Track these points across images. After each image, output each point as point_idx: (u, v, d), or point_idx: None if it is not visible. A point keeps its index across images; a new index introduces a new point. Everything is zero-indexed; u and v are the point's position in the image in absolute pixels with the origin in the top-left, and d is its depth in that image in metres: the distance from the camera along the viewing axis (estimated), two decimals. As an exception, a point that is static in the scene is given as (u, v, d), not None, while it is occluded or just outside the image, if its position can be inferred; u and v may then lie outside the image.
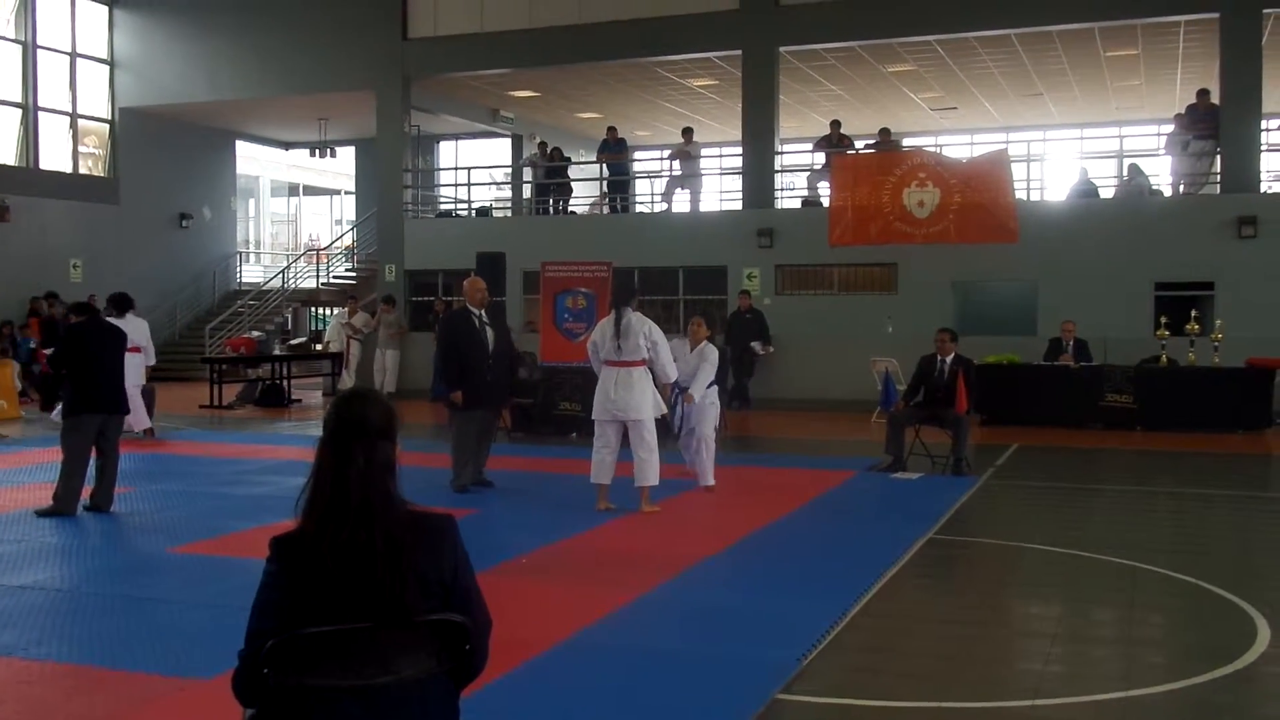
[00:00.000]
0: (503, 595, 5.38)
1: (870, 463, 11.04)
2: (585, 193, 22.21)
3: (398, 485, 2.52)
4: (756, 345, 17.27)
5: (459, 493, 9.15)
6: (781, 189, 19.81)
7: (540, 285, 15.50)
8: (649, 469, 8.25)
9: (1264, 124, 17.11)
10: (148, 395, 13.31)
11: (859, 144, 19.75)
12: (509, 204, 23.50)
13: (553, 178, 21.04)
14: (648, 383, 8.34)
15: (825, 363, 17.51)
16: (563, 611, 5.65)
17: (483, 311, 9.32)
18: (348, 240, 27.71)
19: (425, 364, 18.31)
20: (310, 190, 32.78)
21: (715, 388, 9.52)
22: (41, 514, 8.29)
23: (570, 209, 21.18)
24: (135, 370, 11.95)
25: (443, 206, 23.19)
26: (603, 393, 8.34)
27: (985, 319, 17.40)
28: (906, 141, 21.88)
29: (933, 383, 10.72)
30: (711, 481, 9.43)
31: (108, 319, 9.61)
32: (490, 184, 24.94)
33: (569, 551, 7.19)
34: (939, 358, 10.76)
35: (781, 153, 19.60)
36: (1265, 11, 16.50)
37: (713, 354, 9.42)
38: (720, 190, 21.33)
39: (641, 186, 23.31)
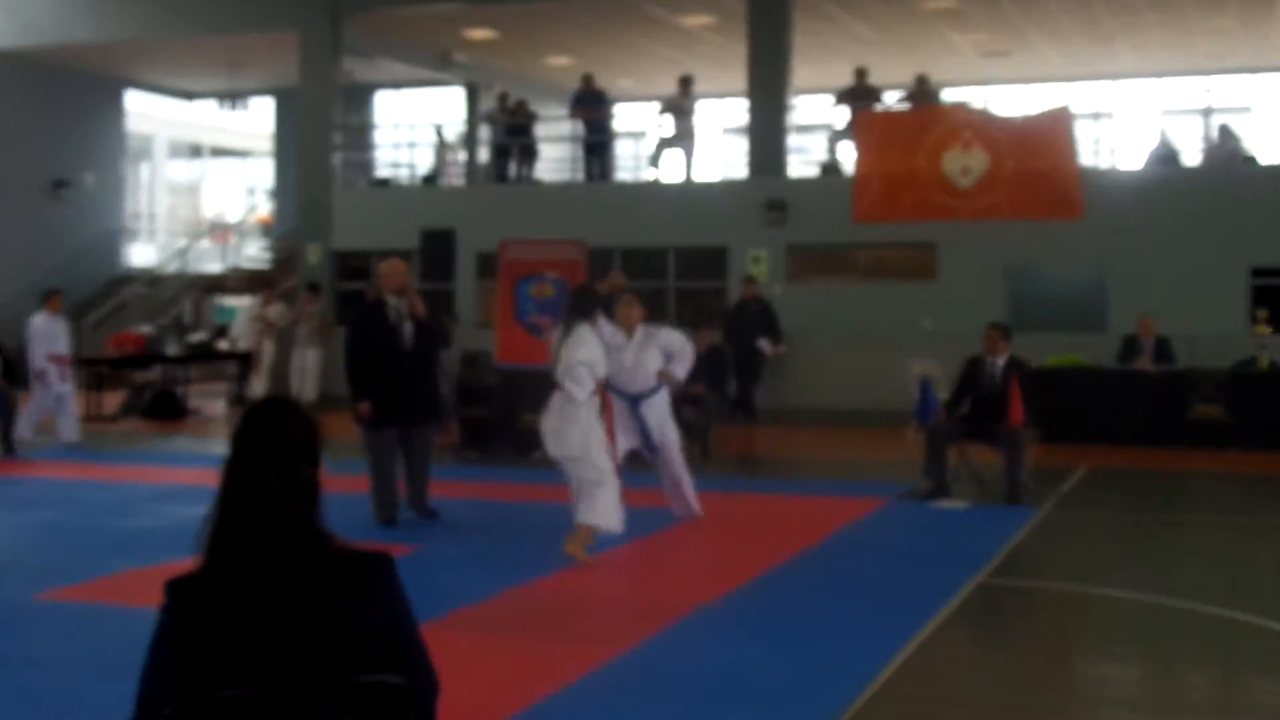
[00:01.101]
0: (452, 652, 5.30)
1: (905, 488, 11.04)
2: (555, 156, 22.17)
3: (322, 516, 2.54)
4: (764, 344, 17.28)
5: (385, 525, 9.08)
6: (795, 152, 19.79)
7: (499, 270, 15.43)
8: (596, 504, 7.92)
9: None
10: (4, 403, 13.21)
11: (889, 98, 19.78)
12: (462, 170, 23.44)
13: (516, 137, 21.00)
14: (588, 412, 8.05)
15: (848, 366, 17.52)
16: (526, 673, 5.61)
17: (402, 301, 9.26)
18: (262, 214, 27.62)
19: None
20: (218, 152, 32.70)
21: (664, 391, 9.31)
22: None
23: (537, 176, 21.14)
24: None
25: (380, 173, 23.13)
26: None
27: (1045, 313, 17.45)
28: (947, 95, 21.92)
29: (981, 390, 10.72)
30: (698, 509, 9.40)
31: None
32: (438, 145, 24.88)
33: (534, 598, 7.15)
34: (989, 360, 10.76)
35: (795, 108, 19.60)
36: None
37: (671, 336, 9.28)
38: (720, 154, 21.31)
39: (624, 149, 23.28)
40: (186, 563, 2.51)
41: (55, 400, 14.13)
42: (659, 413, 9.23)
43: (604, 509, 7.95)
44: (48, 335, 14.13)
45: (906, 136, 16.83)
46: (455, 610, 6.73)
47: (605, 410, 8.40)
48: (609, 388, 8.79)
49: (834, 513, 9.94)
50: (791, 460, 13.93)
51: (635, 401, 9.09)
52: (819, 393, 17.63)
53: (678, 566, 8.12)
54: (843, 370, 17.57)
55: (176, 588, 2.50)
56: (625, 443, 9.00)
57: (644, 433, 9.11)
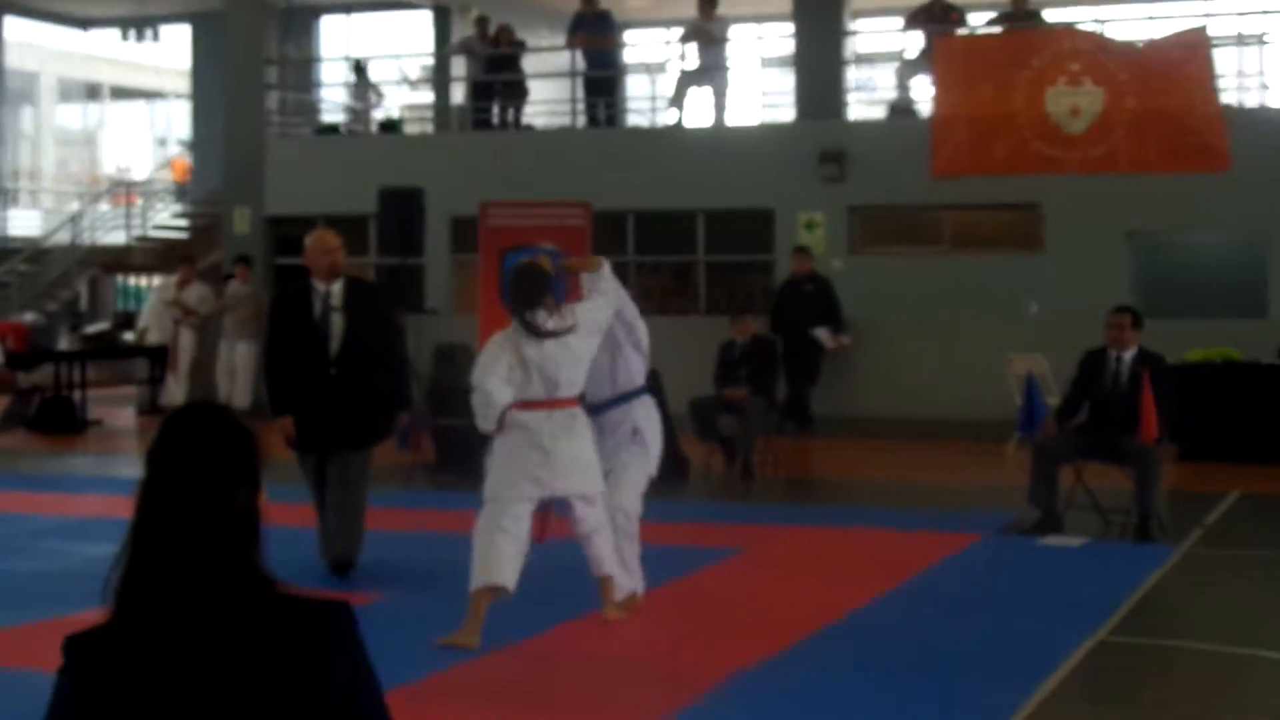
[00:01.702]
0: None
1: (1005, 519, 11.02)
2: (549, 96, 22.15)
3: (263, 555, 2.55)
4: (822, 333, 17.26)
5: (335, 573, 8.89)
6: (857, 89, 19.74)
7: (479, 240, 15.43)
8: (605, 550, 7.88)
9: None
10: None
11: (976, 18, 19.71)
12: (429, 114, 23.44)
13: (498, 72, 20.98)
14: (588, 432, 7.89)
15: (929, 361, 17.50)
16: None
17: (334, 288, 8.98)
18: (177, 170, 27.67)
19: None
20: (120, 93, 32.79)
21: (651, 400, 8.67)
22: None
23: (526, 121, 21.13)
24: None
25: (326, 118, 23.14)
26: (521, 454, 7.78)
27: (1184, 294, 17.43)
28: (1051, 15, 21.82)
29: (1103, 394, 10.69)
30: (628, 587, 8.19)
31: None
32: (401, 82, 24.88)
33: (528, 660, 7.14)
34: (1112, 354, 10.73)
35: (856, 34, 19.54)
36: None
37: (600, 310, 8.15)
38: (762, 92, 21.25)
39: (637, 86, 23.21)
40: (90, 616, 2.50)
41: None
42: (615, 438, 8.51)
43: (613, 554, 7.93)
44: None
45: (999, 68, 16.74)
46: (430, 675, 6.74)
47: None
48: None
49: (912, 551, 9.91)
50: (857, 483, 13.89)
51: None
52: (891, 396, 17.62)
53: (708, 621, 8.10)
54: (921, 367, 17.55)
55: (78, 647, 2.49)
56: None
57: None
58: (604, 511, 7.86)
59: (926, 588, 8.88)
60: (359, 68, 22.36)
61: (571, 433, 7.79)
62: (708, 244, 19.19)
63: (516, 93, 21.11)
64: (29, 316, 21.32)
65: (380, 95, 22.72)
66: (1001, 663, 7.05)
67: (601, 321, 7.95)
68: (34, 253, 24.67)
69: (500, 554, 7.49)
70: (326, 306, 9.02)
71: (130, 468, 13.76)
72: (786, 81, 20.13)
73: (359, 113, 22.38)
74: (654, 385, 13.38)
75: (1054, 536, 10.33)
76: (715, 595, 8.76)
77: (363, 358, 9.05)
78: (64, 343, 20.17)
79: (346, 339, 8.98)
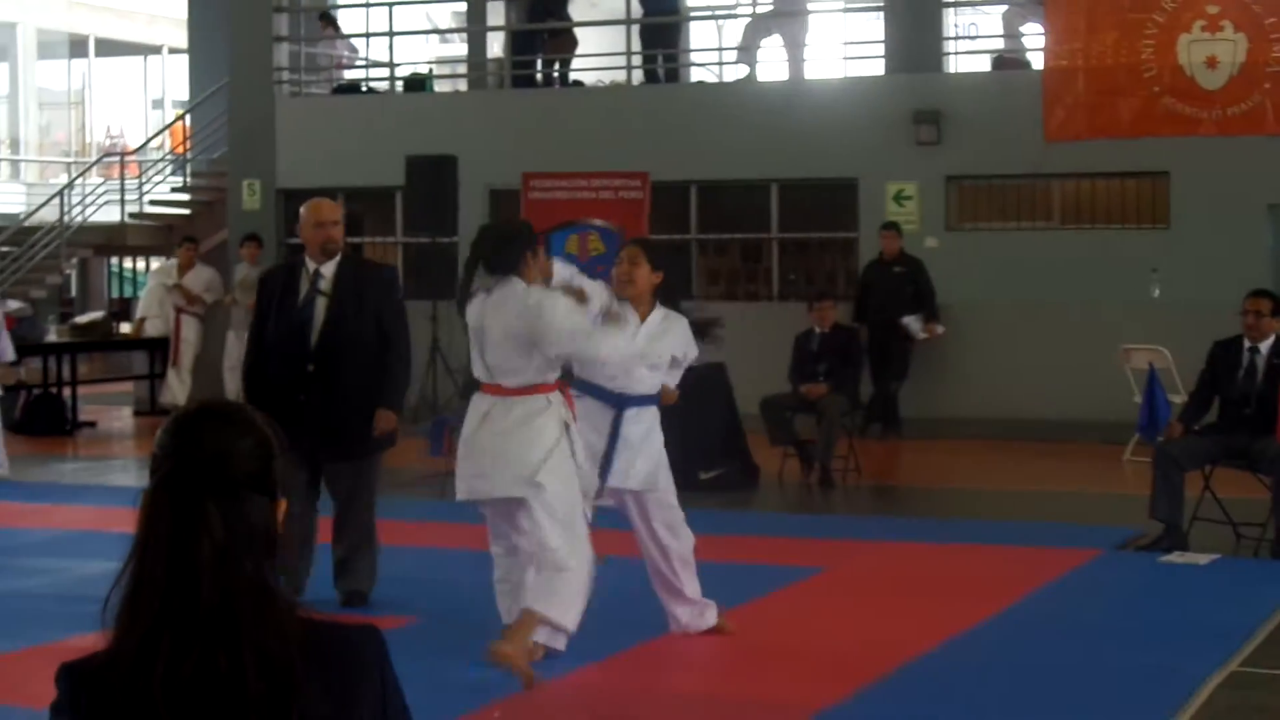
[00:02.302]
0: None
1: (1122, 534, 11.00)
2: (601, 46, 22.20)
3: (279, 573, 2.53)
4: (912, 322, 17.23)
5: (346, 605, 8.64)
6: (956, 38, 19.69)
7: (522, 216, 15.49)
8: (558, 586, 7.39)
9: None
10: None
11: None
12: (463, 69, 23.53)
13: (543, 19, 21.04)
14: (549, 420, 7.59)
15: (1036, 353, 17.44)
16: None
17: (326, 268, 8.78)
18: (175, 138, 27.84)
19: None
20: (109, 49, 32.97)
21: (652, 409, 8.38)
22: None
23: (574, 78, 21.20)
24: None
25: (346, 74, 23.26)
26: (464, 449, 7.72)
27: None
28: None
29: (1235, 390, 10.66)
30: (701, 620, 8.29)
31: None
32: (431, 32, 24.95)
33: (580, 693, 7.21)
34: (1247, 345, 10.70)
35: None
36: None
37: (688, 338, 8.35)
38: (844, 42, 21.23)
39: (701, 35, 23.19)
40: (85, 642, 2.50)
41: None
42: (645, 438, 8.25)
43: (567, 595, 7.34)
44: None
45: (1123, 12, 16.70)
46: (467, 710, 6.78)
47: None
48: (575, 383, 8.15)
49: (1016, 571, 9.90)
50: (951, 492, 13.90)
51: (618, 409, 8.20)
52: (991, 393, 17.56)
53: (784, 651, 8.10)
54: (1026, 360, 17.48)
55: (74, 678, 2.48)
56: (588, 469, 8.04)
57: (608, 459, 8.12)
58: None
59: (1032, 612, 8.86)
60: (325, 16, 22.27)
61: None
62: (782, 219, 19.14)
63: (564, 44, 21.05)
64: (12, 304, 21.48)
65: (354, 50, 22.72)
66: (1118, 699, 7.07)
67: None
68: (16, 231, 24.80)
69: None
70: (314, 290, 8.79)
71: (127, 474, 13.93)
72: (874, 28, 20.10)
73: (329, 70, 22.35)
74: (720, 379, 13.54)
75: (1178, 553, 10.27)
76: (792, 620, 8.77)
77: (347, 352, 8.75)
78: (51, 334, 20.35)
79: (325, 329, 8.73)
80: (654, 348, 8.17)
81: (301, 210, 9.12)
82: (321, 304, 8.76)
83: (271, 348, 8.80)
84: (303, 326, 8.73)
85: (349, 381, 8.72)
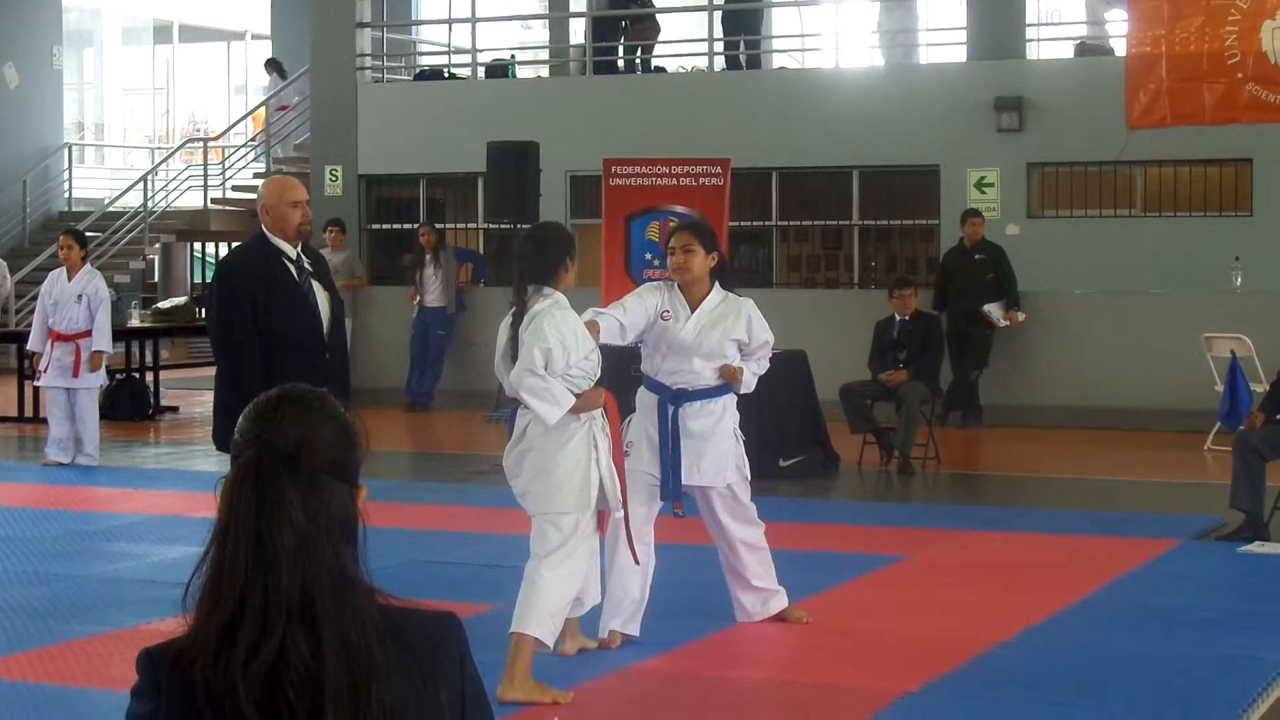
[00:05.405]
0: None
1: (1205, 524, 10.93)
2: (683, 32, 22.16)
3: (362, 561, 2.53)
4: (993, 309, 17.15)
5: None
6: (1038, 24, 19.54)
7: (603, 202, 15.53)
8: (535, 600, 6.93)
9: None
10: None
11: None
12: (545, 55, 23.55)
13: (625, 6, 21.07)
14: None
15: (1117, 342, 17.34)
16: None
17: (299, 251, 8.19)
18: (257, 124, 28.00)
19: (398, 340, 18.46)
20: (192, 35, 33.15)
21: (732, 398, 8.13)
22: None
23: (656, 64, 21.19)
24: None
25: (426, 61, 23.33)
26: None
27: None
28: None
29: (1320, 379, 10.55)
30: (768, 607, 8.18)
31: None
32: (513, 19, 25.00)
33: (654, 681, 7.21)
34: (1334, 333, 10.59)
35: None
36: None
37: (759, 324, 8.08)
38: (924, 27, 21.11)
39: (783, 21, 23.14)
40: (166, 627, 2.52)
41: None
42: (711, 432, 7.99)
43: (540, 609, 6.85)
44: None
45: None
46: (541, 703, 6.74)
47: (611, 426, 7.39)
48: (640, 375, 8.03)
49: (1096, 560, 9.85)
50: (1031, 481, 13.82)
51: (673, 403, 7.96)
52: (1072, 382, 17.48)
53: (863, 636, 8.11)
54: (1107, 349, 17.38)
55: (155, 663, 2.48)
56: (648, 472, 7.87)
57: (668, 461, 7.85)
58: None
59: (1112, 602, 8.82)
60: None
61: None
62: (862, 206, 19.12)
63: (646, 30, 21.07)
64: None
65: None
66: (1196, 689, 7.03)
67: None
68: (100, 217, 25.01)
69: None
70: (307, 276, 8.22)
71: (209, 460, 14.01)
72: (956, 13, 19.98)
73: (412, 56, 22.46)
74: (800, 366, 13.52)
75: (1259, 543, 10.22)
76: (870, 608, 8.76)
77: (334, 338, 8.39)
78: (134, 319, 20.51)
79: (329, 318, 8.29)
80: (705, 339, 7.91)
81: (266, 188, 8.49)
82: (318, 290, 8.27)
83: (293, 343, 8.10)
84: (310, 314, 8.20)
85: (337, 367, 8.38)
